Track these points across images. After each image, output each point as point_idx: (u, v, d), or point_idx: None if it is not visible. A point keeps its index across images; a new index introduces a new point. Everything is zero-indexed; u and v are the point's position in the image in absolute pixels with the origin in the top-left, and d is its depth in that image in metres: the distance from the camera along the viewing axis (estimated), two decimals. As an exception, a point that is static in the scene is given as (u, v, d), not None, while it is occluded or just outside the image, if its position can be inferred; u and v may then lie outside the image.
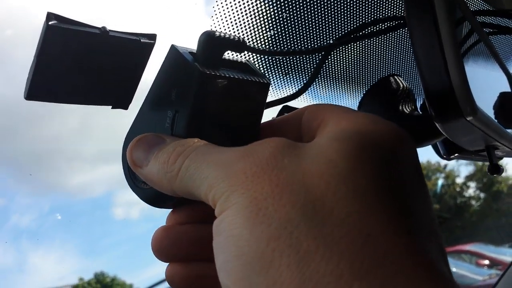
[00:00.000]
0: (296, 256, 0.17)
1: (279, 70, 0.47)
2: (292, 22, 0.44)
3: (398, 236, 0.17)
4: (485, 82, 0.52)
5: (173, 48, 0.26)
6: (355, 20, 0.48)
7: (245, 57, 0.42)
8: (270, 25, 0.42)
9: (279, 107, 0.41)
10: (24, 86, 0.26)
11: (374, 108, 0.47)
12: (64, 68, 0.26)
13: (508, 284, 1.02)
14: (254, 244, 0.17)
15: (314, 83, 0.51)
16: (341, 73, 0.53)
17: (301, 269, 0.16)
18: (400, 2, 0.51)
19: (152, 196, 0.26)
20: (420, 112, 0.49)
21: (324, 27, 0.46)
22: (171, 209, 0.28)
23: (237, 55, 0.39)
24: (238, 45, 0.27)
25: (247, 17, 0.40)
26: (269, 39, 0.43)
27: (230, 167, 0.20)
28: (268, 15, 0.42)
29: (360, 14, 0.48)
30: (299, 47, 0.46)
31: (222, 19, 0.39)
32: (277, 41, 0.44)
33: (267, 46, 0.44)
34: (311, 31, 0.45)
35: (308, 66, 0.48)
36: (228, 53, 0.27)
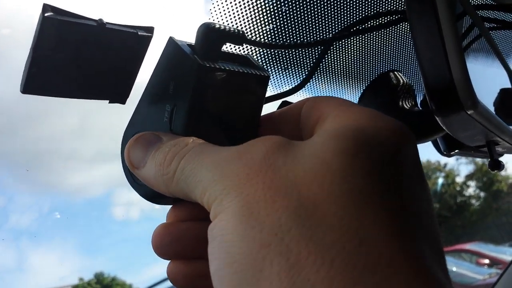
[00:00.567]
0: (287, 264, 0.16)
1: (279, 64, 0.47)
2: (292, 16, 0.43)
3: (393, 240, 0.17)
4: (486, 78, 0.52)
5: (171, 41, 0.26)
6: (356, 14, 0.48)
7: (245, 51, 0.42)
8: (269, 19, 0.42)
9: (278, 102, 0.40)
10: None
11: (374, 103, 0.47)
12: (60, 61, 0.26)
13: (508, 283, 1.02)
14: (245, 251, 0.17)
15: (314, 79, 0.50)
16: (341, 69, 0.53)
17: (291, 277, 0.16)
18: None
19: (152, 192, 0.26)
20: (420, 108, 0.49)
21: (324, 21, 0.45)
22: (172, 206, 0.28)
23: (236, 48, 0.39)
24: (237, 37, 0.26)
25: (246, 10, 0.40)
26: (269, 33, 0.43)
27: (224, 169, 0.20)
28: (267, 8, 0.41)
29: (361, 8, 0.48)
30: (299, 40, 0.46)
31: (220, 13, 0.39)
32: (277, 35, 0.44)
33: (267, 41, 0.44)
34: (311, 25, 0.45)
35: (308, 61, 0.48)
36: (227, 46, 0.27)
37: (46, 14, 0.24)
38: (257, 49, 0.44)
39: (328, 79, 0.53)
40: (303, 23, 0.44)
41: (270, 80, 0.29)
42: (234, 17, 0.40)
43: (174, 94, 0.25)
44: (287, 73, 0.47)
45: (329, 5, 0.44)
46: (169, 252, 0.26)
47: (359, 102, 0.49)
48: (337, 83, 0.54)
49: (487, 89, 0.49)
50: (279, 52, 0.46)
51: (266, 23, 0.42)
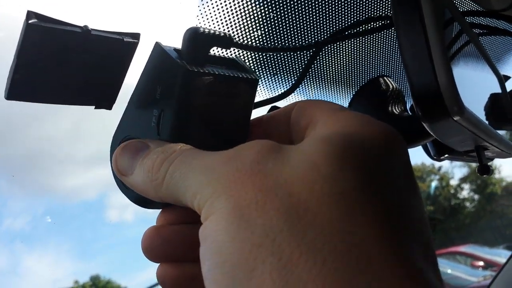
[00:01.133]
0: (278, 264, 0.16)
1: (268, 69, 0.47)
2: (282, 21, 0.43)
3: (384, 241, 0.17)
4: (476, 84, 0.52)
5: (157, 46, 0.26)
6: (346, 19, 0.48)
7: (233, 54, 0.42)
8: (258, 24, 0.42)
9: (268, 107, 0.40)
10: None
11: (364, 109, 0.47)
12: (45, 67, 0.26)
13: (502, 285, 1.02)
14: (237, 251, 0.17)
15: (304, 84, 0.51)
16: (331, 74, 0.53)
17: (283, 277, 0.16)
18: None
19: (141, 197, 0.26)
20: (410, 113, 0.49)
21: (313, 26, 0.45)
22: (161, 209, 0.28)
23: (224, 52, 0.39)
24: (225, 41, 0.26)
25: (233, 15, 0.40)
26: (258, 38, 0.43)
27: (214, 173, 0.20)
28: (256, 13, 0.41)
29: (351, 13, 0.48)
30: (289, 45, 0.46)
31: (208, 18, 0.39)
32: (266, 40, 0.44)
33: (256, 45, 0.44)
34: (300, 30, 0.45)
35: (297, 66, 0.48)
36: (215, 50, 0.27)
37: (30, 21, 0.24)
38: (246, 54, 0.44)
39: (318, 84, 0.53)
40: (293, 28, 0.44)
41: (259, 86, 0.29)
42: (222, 22, 0.40)
43: (161, 98, 0.25)
44: (277, 79, 0.47)
45: (318, 10, 0.44)
46: (158, 255, 0.26)
47: (349, 107, 0.49)
48: (327, 88, 0.54)
49: (477, 94, 0.49)
50: (269, 57, 0.46)
51: (255, 29, 0.42)
